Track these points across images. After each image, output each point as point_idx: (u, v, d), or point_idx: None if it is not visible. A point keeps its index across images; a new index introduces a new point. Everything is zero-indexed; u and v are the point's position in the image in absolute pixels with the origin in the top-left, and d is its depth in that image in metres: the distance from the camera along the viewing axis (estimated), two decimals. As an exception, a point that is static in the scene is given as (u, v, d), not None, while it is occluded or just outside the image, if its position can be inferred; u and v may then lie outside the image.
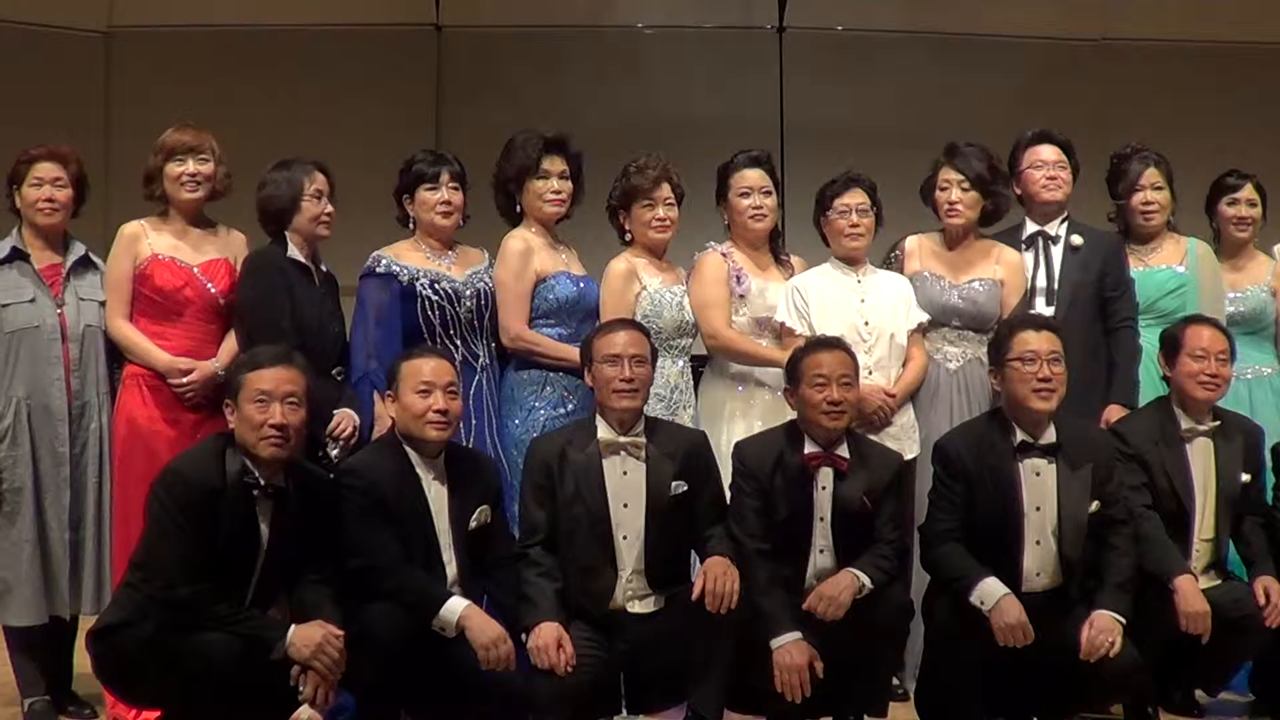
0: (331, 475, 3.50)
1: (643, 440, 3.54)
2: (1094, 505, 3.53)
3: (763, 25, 7.54)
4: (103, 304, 3.89)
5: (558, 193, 4.07)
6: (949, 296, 4.12)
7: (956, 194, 4.15)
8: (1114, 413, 4.03)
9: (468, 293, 3.95)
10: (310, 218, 3.87)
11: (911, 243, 4.25)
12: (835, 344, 3.60)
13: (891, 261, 4.24)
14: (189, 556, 3.09)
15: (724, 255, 4.09)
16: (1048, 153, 4.29)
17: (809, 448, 3.52)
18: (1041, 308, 4.13)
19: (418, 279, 3.90)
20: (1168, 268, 4.26)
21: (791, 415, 3.67)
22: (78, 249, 3.94)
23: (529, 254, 4.01)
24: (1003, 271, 4.16)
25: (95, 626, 3.23)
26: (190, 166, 3.89)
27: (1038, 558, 3.52)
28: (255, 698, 3.09)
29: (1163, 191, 4.30)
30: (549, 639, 3.31)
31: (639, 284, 4.04)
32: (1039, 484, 3.53)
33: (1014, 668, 3.42)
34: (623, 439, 3.53)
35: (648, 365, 3.58)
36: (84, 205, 3.97)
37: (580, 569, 3.48)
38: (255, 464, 3.20)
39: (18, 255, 3.86)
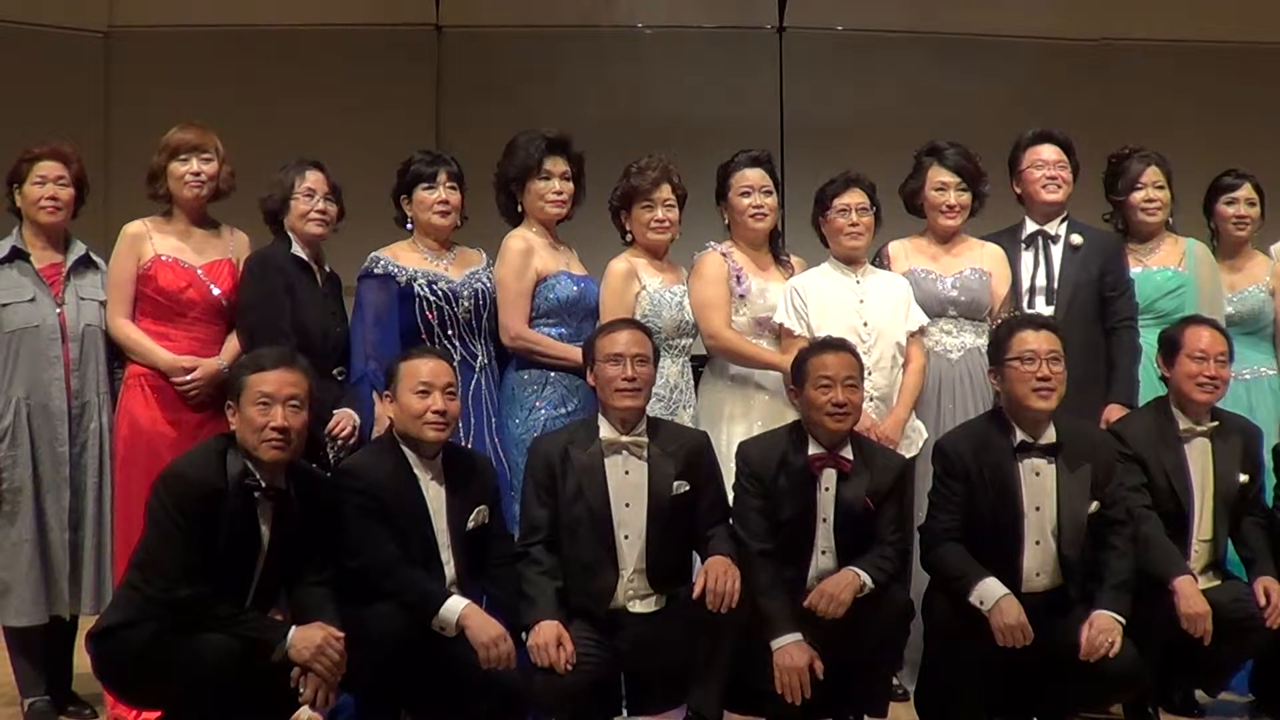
0: (329, 475, 3.50)
1: (645, 440, 3.54)
2: (1093, 505, 3.54)
3: (763, 25, 7.55)
4: (103, 304, 3.89)
5: (559, 193, 4.08)
6: (942, 286, 4.13)
7: (954, 196, 4.17)
8: (1114, 412, 4.03)
9: (465, 293, 3.96)
10: (298, 215, 3.89)
11: (895, 248, 4.26)
12: (840, 346, 3.60)
13: (879, 267, 4.25)
14: (190, 557, 3.08)
15: (724, 255, 4.09)
16: (1048, 153, 4.29)
17: (813, 449, 3.52)
18: (1041, 307, 4.14)
19: (416, 279, 3.91)
20: (1166, 268, 4.26)
21: (791, 416, 3.67)
22: (78, 248, 3.94)
23: (530, 253, 4.01)
24: (989, 262, 4.19)
25: (95, 627, 3.22)
26: (194, 165, 3.90)
27: (1037, 558, 3.53)
28: (255, 699, 3.09)
29: (1164, 190, 4.30)
30: (549, 637, 3.31)
31: (639, 284, 4.04)
32: (1039, 484, 3.53)
33: (1014, 668, 3.43)
34: (625, 438, 3.53)
35: (650, 365, 3.58)
36: (83, 205, 3.97)
37: (581, 568, 3.48)
38: (256, 465, 3.20)
39: (18, 255, 3.86)
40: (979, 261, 4.19)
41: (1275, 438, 4.00)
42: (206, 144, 3.92)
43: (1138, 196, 4.29)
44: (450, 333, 3.92)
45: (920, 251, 4.24)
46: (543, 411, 3.94)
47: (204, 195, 3.93)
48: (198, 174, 3.90)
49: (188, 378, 3.80)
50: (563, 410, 3.93)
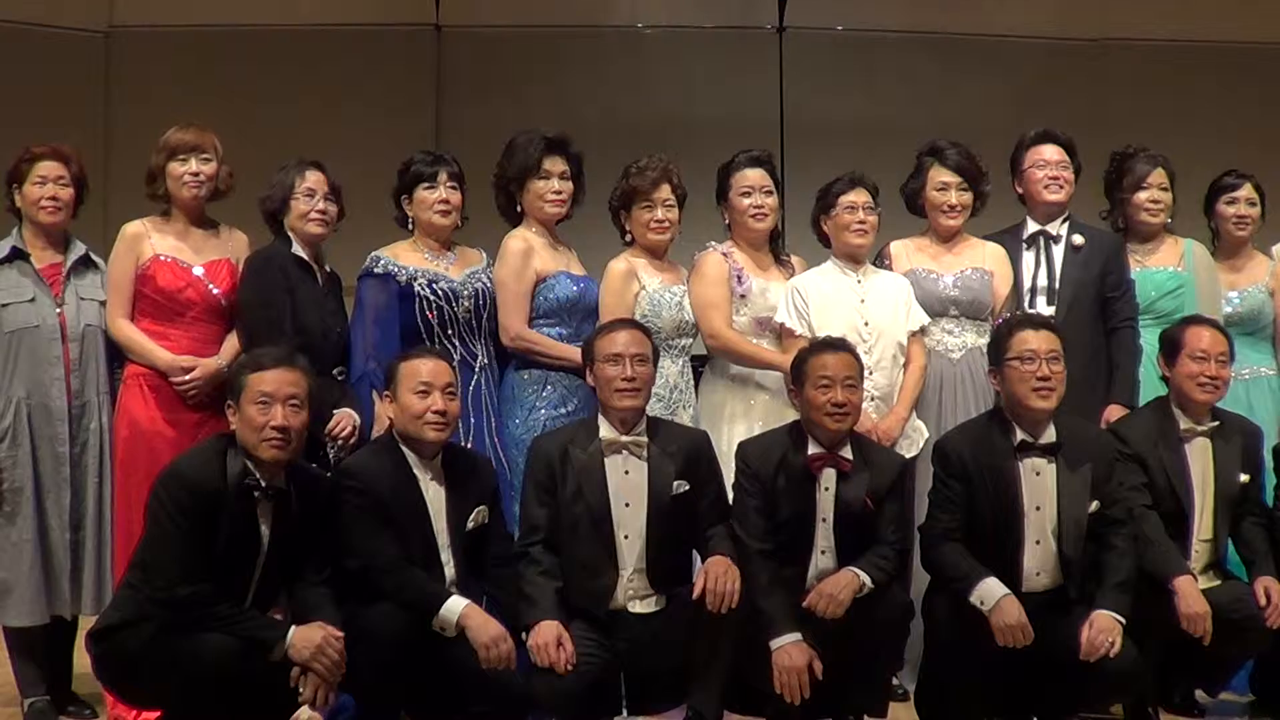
0: (329, 475, 3.50)
1: (645, 439, 3.54)
2: (1094, 505, 3.54)
3: (763, 25, 7.55)
4: (103, 304, 3.89)
5: (558, 193, 4.08)
6: (944, 285, 4.14)
7: (955, 196, 4.18)
8: (1114, 412, 4.03)
9: (465, 293, 3.96)
10: (298, 215, 3.89)
11: (897, 247, 4.26)
12: (840, 346, 3.60)
13: (880, 266, 4.25)
14: (189, 557, 3.09)
15: (724, 255, 4.09)
16: (1050, 152, 4.29)
17: (812, 449, 3.52)
18: (1042, 307, 4.14)
19: (416, 279, 3.91)
20: (1166, 268, 4.26)
21: (792, 416, 3.67)
22: (78, 248, 3.94)
23: (529, 253, 4.01)
24: (990, 262, 4.20)
25: (95, 627, 3.23)
26: (193, 165, 3.90)
27: (1038, 557, 3.53)
28: (255, 698, 3.09)
29: (1167, 192, 4.30)
30: (549, 637, 3.32)
31: (638, 284, 4.04)
32: (1039, 483, 3.53)
33: (1014, 668, 3.42)
34: (625, 438, 3.53)
35: (649, 364, 3.58)
36: (83, 205, 3.97)
37: (581, 568, 3.48)
38: (256, 465, 3.20)
39: (18, 255, 3.86)
40: (980, 261, 4.20)
41: (1275, 438, 4.01)
42: (205, 144, 3.92)
43: (1142, 196, 4.28)
44: (450, 333, 3.92)
45: (921, 251, 4.24)
46: (543, 411, 3.94)
47: (202, 195, 3.93)
48: (196, 174, 3.90)
49: (186, 377, 3.79)
50: (563, 410, 3.93)
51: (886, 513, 3.51)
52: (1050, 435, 3.55)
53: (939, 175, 4.20)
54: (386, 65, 7.28)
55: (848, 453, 3.53)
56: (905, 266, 4.20)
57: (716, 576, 3.34)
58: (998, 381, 3.64)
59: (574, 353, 3.81)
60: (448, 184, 4.00)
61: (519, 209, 4.11)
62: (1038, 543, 3.52)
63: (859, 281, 4.09)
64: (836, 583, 3.39)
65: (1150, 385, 4.06)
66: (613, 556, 3.50)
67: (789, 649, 3.34)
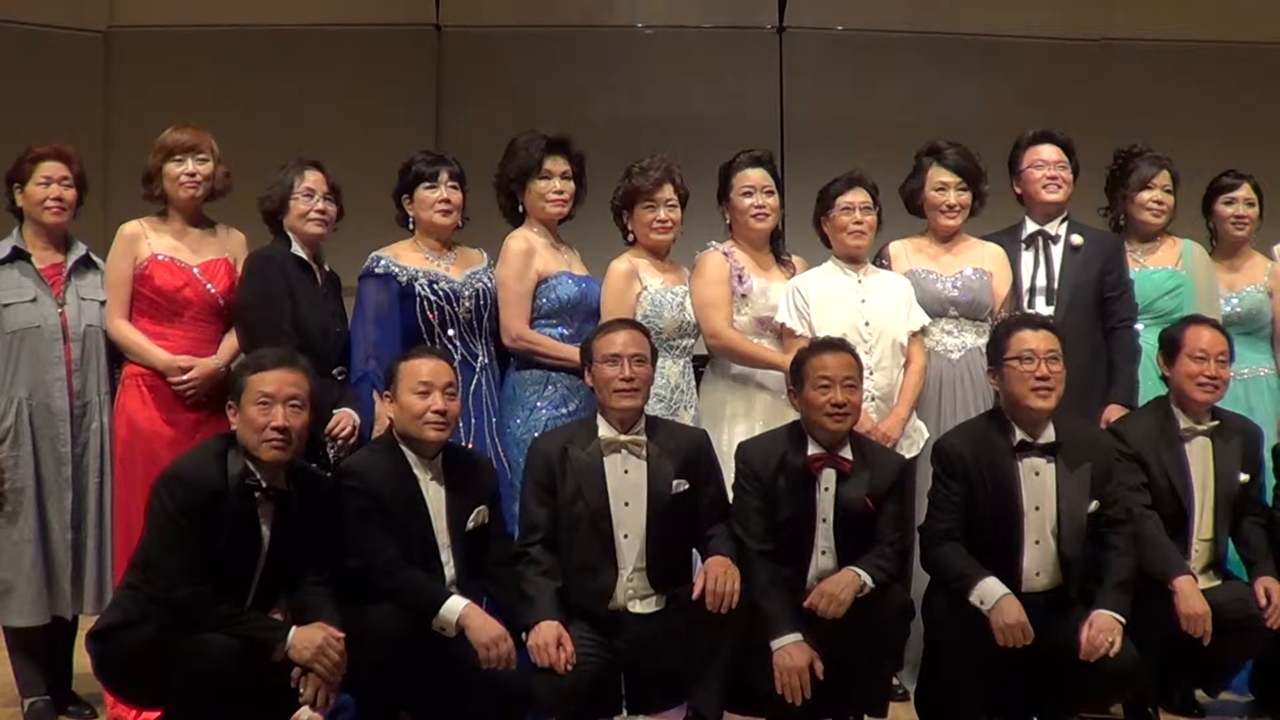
0: (329, 475, 3.50)
1: (644, 439, 3.55)
2: (1093, 505, 3.54)
3: (763, 25, 7.56)
4: (104, 304, 3.89)
5: (560, 193, 4.08)
6: (943, 286, 4.14)
7: (954, 196, 4.18)
8: (1113, 413, 4.03)
9: (466, 293, 3.96)
10: (298, 215, 3.89)
11: (896, 247, 4.26)
12: (840, 346, 3.60)
13: (879, 267, 4.25)
14: (190, 558, 3.09)
15: (725, 255, 4.10)
16: (1049, 153, 4.29)
17: (812, 449, 3.52)
18: (1041, 308, 4.14)
19: (416, 279, 3.91)
20: (1165, 268, 4.27)
21: (793, 416, 3.67)
22: (79, 249, 3.94)
23: (531, 254, 4.01)
24: (990, 263, 4.20)
25: (96, 627, 3.22)
26: (189, 166, 3.90)
27: (1037, 557, 3.53)
28: (255, 699, 3.09)
29: (1171, 195, 4.30)
30: (549, 637, 3.32)
31: (640, 284, 4.04)
32: (1038, 483, 3.54)
33: (1014, 668, 3.43)
34: (624, 437, 3.53)
35: (648, 365, 3.58)
36: (82, 206, 3.97)
37: (581, 568, 3.48)
38: (256, 465, 3.20)
39: (19, 255, 3.86)
40: (980, 261, 4.20)
41: (1274, 438, 4.01)
42: (201, 144, 3.92)
43: (1145, 196, 4.28)
44: (451, 333, 3.92)
45: (921, 251, 4.25)
46: (544, 412, 3.94)
47: (199, 196, 3.93)
48: (193, 174, 3.90)
49: (184, 377, 3.79)
50: (564, 410, 3.93)
51: (887, 513, 3.51)
52: (1049, 435, 3.56)
53: (938, 175, 4.20)
54: (386, 65, 7.28)
55: (847, 453, 3.53)
56: (905, 267, 4.20)
57: (716, 577, 3.34)
58: (997, 381, 3.64)
59: (575, 353, 3.80)
60: (448, 184, 4.00)
61: (521, 209, 4.11)
62: (1037, 543, 3.52)
63: (859, 281, 4.09)
64: (838, 582, 3.39)
65: (1150, 385, 4.06)
66: (612, 556, 3.50)
67: (790, 649, 3.34)
